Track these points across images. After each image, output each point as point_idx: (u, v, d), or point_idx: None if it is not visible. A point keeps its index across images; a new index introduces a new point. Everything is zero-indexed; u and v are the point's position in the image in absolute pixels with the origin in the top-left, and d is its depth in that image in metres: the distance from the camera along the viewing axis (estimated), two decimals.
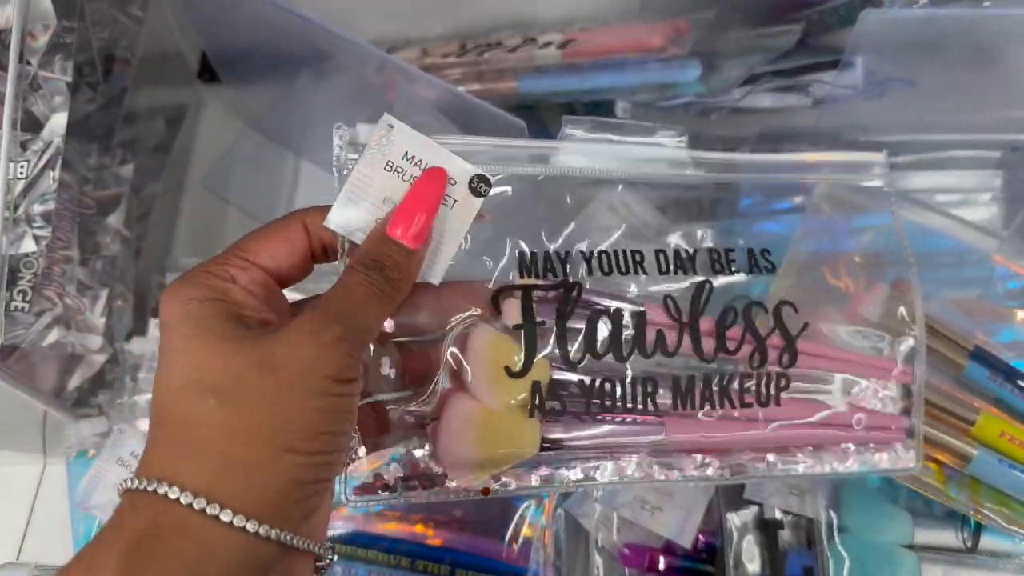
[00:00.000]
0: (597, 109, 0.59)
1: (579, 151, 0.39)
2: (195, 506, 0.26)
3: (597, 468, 0.36)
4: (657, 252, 0.38)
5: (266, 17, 0.55)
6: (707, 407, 0.37)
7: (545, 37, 0.60)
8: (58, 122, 0.51)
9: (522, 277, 0.36)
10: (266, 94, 0.69)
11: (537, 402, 0.35)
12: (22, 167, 0.50)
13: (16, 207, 0.49)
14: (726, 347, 0.37)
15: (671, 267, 0.38)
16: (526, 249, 0.36)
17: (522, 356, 0.35)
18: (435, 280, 0.34)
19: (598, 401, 0.36)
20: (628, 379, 0.36)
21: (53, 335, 0.54)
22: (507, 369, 0.35)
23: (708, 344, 0.37)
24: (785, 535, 0.50)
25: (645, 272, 0.37)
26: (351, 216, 0.33)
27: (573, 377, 0.36)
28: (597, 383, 0.36)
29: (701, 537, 0.50)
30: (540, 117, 0.62)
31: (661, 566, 0.50)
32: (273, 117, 0.70)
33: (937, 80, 0.54)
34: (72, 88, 0.51)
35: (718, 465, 0.38)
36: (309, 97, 0.67)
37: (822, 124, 0.58)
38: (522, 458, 0.35)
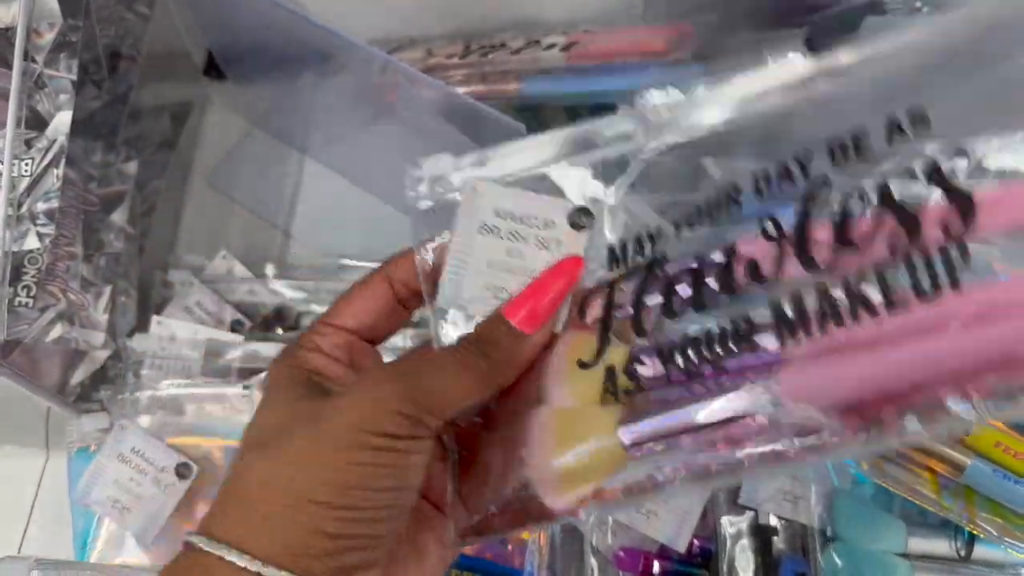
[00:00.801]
0: (600, 112, 0.59)
1: None
2: (226, 558, 0.27)
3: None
4: (756, 177, 0.30)
5: (269, 17, 0.55)
6: (832, 325, 0.25)
7: (549, 39, 0.60)
8: (63, 120, 0.51)
9: (610, 270, 0.32)
10: (271, 92, 0.69)
11: (610, 387, 0.30)
12: (26, 164, 0.51)
13: (20, 205, 0.50)
14: (849, 241, 0.26)
15: (773, 185, 0.29)
16: (613, 241, 0.32)
17: (596, 343, 0.31)
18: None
19: (681, 365, 0.28)
20: (715, 331, 0.28)
21: (56, 331, 0.54)
22: (579, 363, 0.31)
23: (822, 251, 0.26)
24: (779, 541, 0.50)
25: (739, 203, 0.31)
26: (461, 291, 0.32)
27: (646, 344, 0.30)
28: (677, 347, 0.29)
29: (696, 542, 0.50)
30: (543, 119, 0.62)
31: (656, 570, 0.50)
32: (278, 115, 0.70)
33: (939, 88, 0.54)
34: (77, 86, 0.52)
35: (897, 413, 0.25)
36: (313, 96, 0.67)
37: None
38: (608, 454, 0.29)
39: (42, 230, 0.50)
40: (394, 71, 0.54)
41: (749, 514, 0.50)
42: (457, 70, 0.63)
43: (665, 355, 0.29)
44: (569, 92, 0.59)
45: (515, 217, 0.32)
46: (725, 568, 0.49)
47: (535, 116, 0.61)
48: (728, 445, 0.27)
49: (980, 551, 0.48)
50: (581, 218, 0.32)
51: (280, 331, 0.58)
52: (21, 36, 0.50)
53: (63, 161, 0.51)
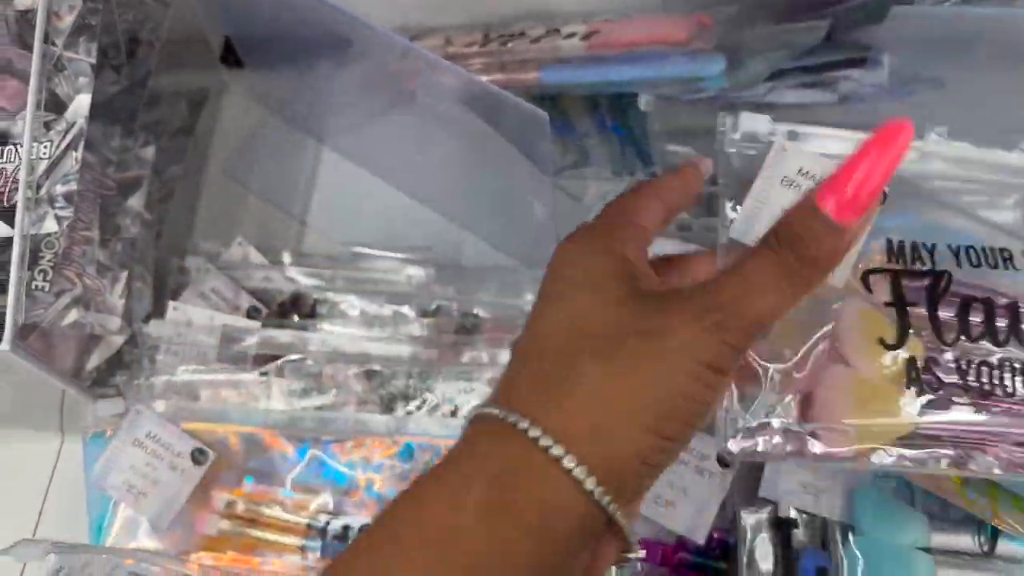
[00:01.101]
0: (619, 101, 0.59)
1: None
2: (553, 453, 0.26)
3: (971, 457, 0.36)
4: None
5: (288, 1, 0.55)
6: None
7: (569, 28, 0.60)
8: (82, 103, 0.51)
9: (889, 261, 0.38)
10: (288, 80, 0.69)
11: (913, 376, 0.36)
12: (45, 147, 0.51)
13: (39, 187, 0.50)
14: None
15: None
16: (894, 237, 0.39)
17: (895, 331, 0.36)
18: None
19: (975, 383, 0.36)
20: (1007, 365, 0.36)
21: (72, 315, 0.54)
22: (881, 341, 0.36)
23: None
24: (799, 534, 0.49)
25: (1016, 268, 0.38)
26: (752, 228, 0.37)
27: (949, 356, 0.37)
28: (974, 364, 0.36)
29: (715, 535, 0.50)
30: (563, 108, 0.61)
31: (674, 561, 0.50)
32: (294, 103, 0.70)
33: (966, 80, 0.53)
34: (96, 69, 0.52)
35: None
36: (331, 84, 0.67)
37: (848, 122, 0.57)
38: (896, 431, 0.36)
39: (60, 213, 0.50)
40: (415, 57, 0.54)
41: (769, 507, 0.50)
42: (476, 59, 0.62)
43: (963, 368, 0.36)
44: (589, 81, 0.58)
45: (815, 179, 0.38)
46: (744, 561, 0.49)
47: (554, 105, 0.61)
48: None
49: (1004, 547, 0.48)
50: None
51: (296, 318, 0.58)
52: (41, 18, 0.50)
53: (82, 144, 0.50)
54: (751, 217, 0.38)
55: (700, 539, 0.49)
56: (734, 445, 0.37)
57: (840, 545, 0.48)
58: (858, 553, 0.48)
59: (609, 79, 0.57)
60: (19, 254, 0.46)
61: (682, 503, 0.49)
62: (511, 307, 0.61)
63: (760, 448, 0.36)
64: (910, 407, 0.36)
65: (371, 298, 0.60)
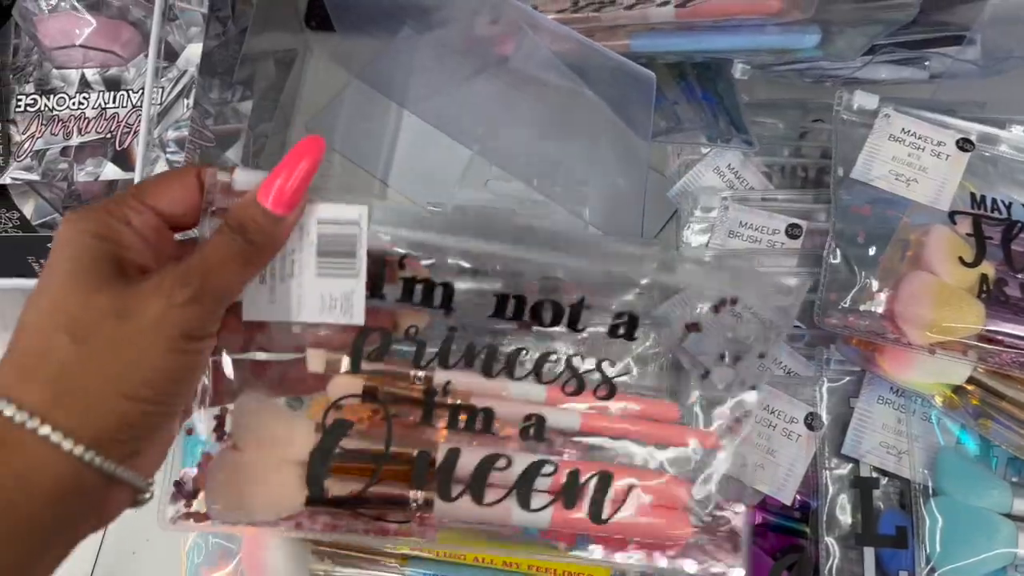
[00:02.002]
0: (707, 71, 0.60)
1: None
2: (28, 425, 0.29)
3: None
4: None
5: None
6: None
7: None
8: (193, 52, 0.52)
9: (972, 208, 0.51)
10: (373, 44, 0.70)
11: (984, 289, 0.48)
12: (156, 93, 0.52)
13: (150, 132, 0.51)
14: None
15: None
16: (977, 191, 0.51)
17: (973, 253, 0.49)
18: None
19: None
20: None
21: None
22: (960, 259, 0.49)
23: None
24: (879, 495, 0.50)
25: None
26: (870, 170, 0.53)
27: (1015, 280, 0.48)
28: None
29: (797, 496, 0.51)
30: None
31: (756, 521, 0.51)
32: (378, 67, 0.71)
33: None
34: (206, 20, 0.53)
35: None
36: (415, 48, 0.68)
37: (938, 99, 0.57)
38: (965, 331, 0.47)
39: (171, 157, 0.51)
40: (512, 20, 0.55)
41: (850, 466, 0.51)
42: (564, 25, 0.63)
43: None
44: (681, 50, 0.59)
45: (916, 135, 0.53)
46: (824, 519, 0.50)
47: None
48: None
49: None
50: (966, 144, 0.52)
51: None
52: None
53: (193, 92, 0.52)
54: (868, 164, 0.52)
55: (787, 499, 0.49)
56: (829, 321, 0.49)
57: (921, 506, 0.49)
58: (938, 514, 0.48)
59: (702, 48, 0.57)
60: None
61: (770, 465, 0.50)
62: (591, 272, 0.61)
63: (849, 324, 0.49)
64: (979, 313, 0.47)
65: None
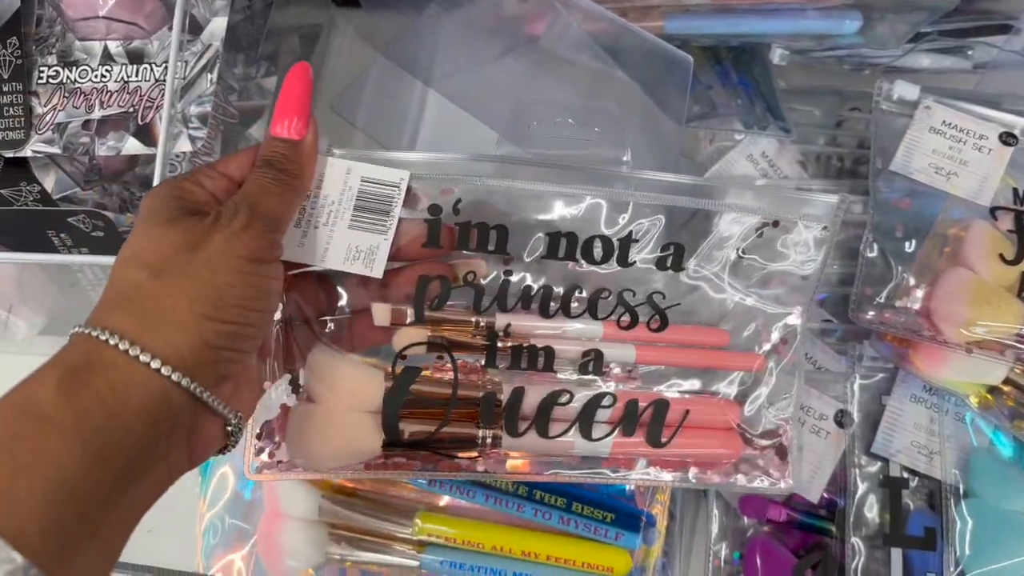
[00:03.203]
0: (743, 55, 0.58)
1: None
2: (120, 347, 0.32)
3: None
4: None
5: None
6: None
7: None
8: (218, 25, 0.51)
9: (1013, 204, 0.49)
10: (399, 20, 0.69)
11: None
12: (180, 68, 0.51)
13: (174, 106, 0.50)
14: None
15: None
16: (1020, 187, 0.50)
17: (1015, 250, 0.48)
18: None
19: None
20: None
21: None
22: (1001, 256, 0.47)
23: None
24: (909, 495, 0.49)
25: None
26: (909, 163, 0.50)
27: None
28: None
29: (824, 494, 0.50)
30: None
31: (780, 518, 0.50)
32: (404, 45, 0.70)
33: None
34: None
35: None
36: (441, 27, 0.67)
37: (981, 90, 0.56)
38: (1003, 330, 0.46)
39: (194, 133, 0.50)
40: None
41: (879, 465, 0.49)
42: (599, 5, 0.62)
43: None
44: (717, 32, 0.57)
45: (957, 128, 0.51)
46: (852, 519, 0.49)
47: None
48: None
49: None
50: (1010, 139, 0.51)
51: None
52: None
53: (217, 67, 0.51)
54: (908, 157, 0.51)
55: (814, 498, 0.49)
56: (864, 317, 0.48)
57: (952, 507, 0.48)
58: (969, 517, 0.47)
59: (740, 31, 0.56)
60: (160, 172, 0.46)
61: (797, 462, 0.49)
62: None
63: (884, 320, 0.47)
64: (1018, 312, 0.46)
65: None
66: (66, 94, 0.52)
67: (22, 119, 0.51)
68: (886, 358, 0.50)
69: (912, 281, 0.48)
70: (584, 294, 0.44)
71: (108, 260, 0.48)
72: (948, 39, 0.55)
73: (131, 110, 0.51)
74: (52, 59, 0.52)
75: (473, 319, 0.43)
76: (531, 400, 0.42)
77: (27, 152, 0.51)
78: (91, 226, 0.50)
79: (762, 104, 0.54)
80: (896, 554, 0.48)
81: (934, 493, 0.49)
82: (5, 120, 0.51)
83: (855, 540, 0.48)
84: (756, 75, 0.57)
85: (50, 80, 0.52)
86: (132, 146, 0.50)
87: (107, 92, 0.51)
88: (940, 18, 0.54)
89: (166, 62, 0.51)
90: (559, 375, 0.44)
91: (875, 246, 0.49)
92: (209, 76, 0.51)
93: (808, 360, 0.51)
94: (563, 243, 0.43)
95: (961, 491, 0.48)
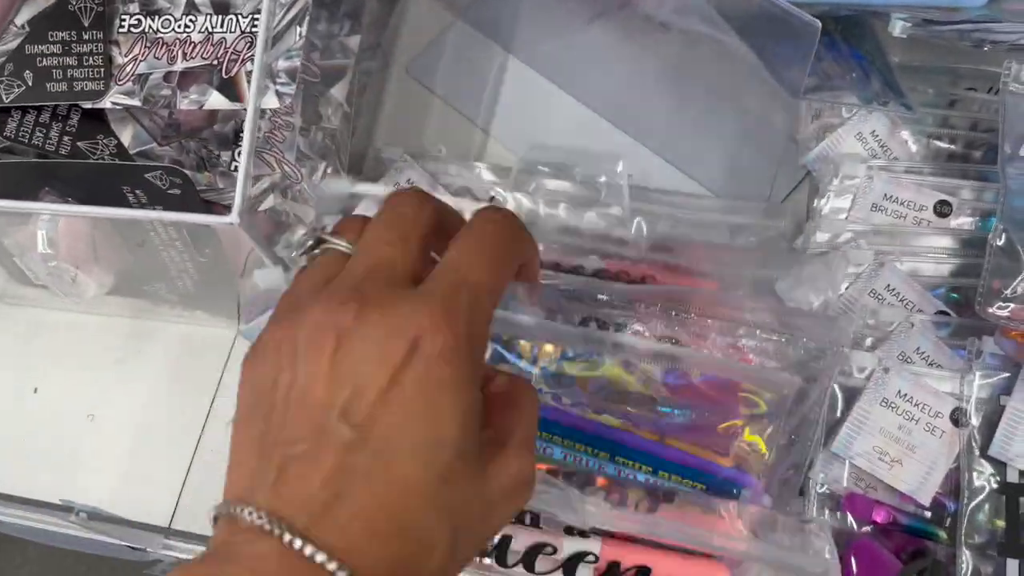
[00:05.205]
0: (854, 27, 0.54)
1: None
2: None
3: None
4: None
5: None
6: None
7: None
8: None
9: None
10: None
11: None
12: (269, 19, 0.48)
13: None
14: None
15: None
16: None
17: None
18: None
19: None
20: None
21: (269, 201, 0.53)
22: None
23: None
24: None
25: None
26: None
27: None
28: None
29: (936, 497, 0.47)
30: None
31: (884, 520, 0.47)
32: (485, 7, 0.67)
33: None
34: None
35: None
36: None
37: None
38: None
39: (282, 89, 0.48)
40: None
41: (996, 469, 0.46)
42: None
43: None
44: (827, 0, 0.54)
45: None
46: (964, 525, 0.46)
47: None
48: None
49: None
50: None
51: None
52: None
53: (306, 20, 0.48)
54: None
55: (926, 500, 0.46)
56: (991, 311, 0.45)
57: None
58: None
59: (855, 0, 0.52)
60: (251, 128, 0.44)
61: (909, 461, 0.46)
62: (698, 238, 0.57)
63: (1012, 315, 0.45)
64: None
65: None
66: (148, 44, 0.49)
67: (102, 69, 0.49)
68: (1009, 355, 0.47)
69: None
70: None
71: (185, 217, 0.46)
72: None
73: (215, 63, 0.48)
74: (134, 7, 0.50)
75: None
76: (517, 547, 0.43)
77: (106, 103, 0.49)
78: (168, 183, 0.48)
79: (879, 79, 0.51)
80: (1012, 565, 0.45)
81: None
82: (84, 70, 0.49)
83: (966, 548, 0.45)
84: (868, 49, 0.53)
85: (132, 29, 0.50)
86: (215, 100, 0.48)
87: (190, 43, 0.49)
88: None
89: (252, 13, 0.48)
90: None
91: (1004, 236, 0.46)
92: (298, 29, 0.48)
93: (919, 354, 0.48)
94: None
95: None
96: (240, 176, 0.43)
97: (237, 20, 0.49)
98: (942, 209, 0.51)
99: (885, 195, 0.51)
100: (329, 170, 0.55)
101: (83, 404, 0.58)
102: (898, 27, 0.51)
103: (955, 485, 0.46)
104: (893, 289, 0.50)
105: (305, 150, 0.54)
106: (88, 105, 0.49)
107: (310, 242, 0.32)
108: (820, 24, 0.42)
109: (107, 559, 0.66)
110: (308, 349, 0.26)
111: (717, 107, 0.59)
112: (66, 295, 0.56)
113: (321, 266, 0.31)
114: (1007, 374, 0.47)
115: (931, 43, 0.56)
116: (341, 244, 0.31)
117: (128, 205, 0.49)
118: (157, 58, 0.49)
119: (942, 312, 0.49)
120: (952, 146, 0.55)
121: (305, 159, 0.54)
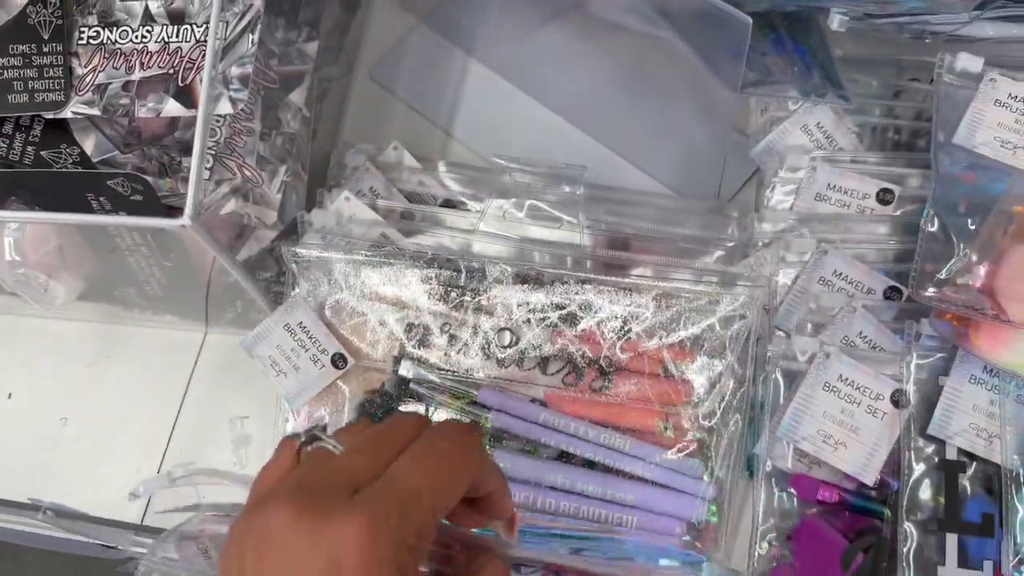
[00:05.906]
0: (799, 22, 0.56)
1: None
2: None
3: None
4: None
5: None
6: None
7: None
8: None
9: None
10: None
11: None
12: (221, 28, 0.50)
13: (215, 67, 0.49)
14: None
15: None
16: None
17: None
18: None
19: None
20: None
21: (231, 204, 0.54)
22: None
23: None
24: (965, 479, 0.47)
25: None
26: (973, 137, 0.50)
27: None
28: None
29: (878, 476, 0.48)
30: None
31: (832, 499, 0.48)
32: (445, 12, 0.69)
33: None
34: None
35: None
36: None
37: None
38: None
39: (235, 95, 0.49)
40: None
41: (935, 448, 0.48)
42: None
43: None
44: None
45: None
46: (906, 502, 0.47)
47: None
48: None
49: None
50: None
51: None
52: None
53: (258, 27, 0.50)
54: (972, 130, 0.50)
55: (870, 480, 0.47)
56: (924, 294, 0.47)
57: (1012, 494, 0.46)
58: None
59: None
60: (201, 133, 0.45)
61: (853, 443, 0.47)
62: (660, 233, 0.59)
63: (944, 298, 0.46)
64: None
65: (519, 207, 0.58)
66: (106, 55, 0.51)
67: (62, 80, 0.51)
68: (945, 337, 0.48)
69: (975, 258, 0.46)
70: None
71: (146, 222, 0.47)
72: (1017, 6, 0.52)
73: (171, 71, 0.50)
74: (93, 19, 0.51)
75: None
76: None
77: (67, 113, 0.51)
78: (130, 189, 0.49)
79: (820, 72, 0.52)
80: (951, 540, 0.46)
81: (993, 478, 0.47)
82: (45, 81, 0.51)
83: (908, 525, 0.47)
84: (812, 43, 0.55)
85: (90, 41, 0.51)
86: (172, 108, 0.50)
87: (147, 53, 0.50)
88: None
89: (207, 22, 0.50)
90: None
91: (936, 221, 0.47)
92: (251, 37, 0.50)
93: (862, 338, 0.49)
94: None
95: (1022, 477, 0.46)
96: (192, 179, 0.45)
97: (192, 30, 0.50)
98: (885, 197, 0.52)
99: (829, 184, 0.52)
100: (289, 175, 0.56)
101: (56, 408, 0.60)
102: (836, 21, 0.52)
103: (898, 464, 0.48)
104: (841, 274, 0.51)
105: (265, 154, 0.55)
106: (50, 115, 0.51)
107: (303, 438, 0.33)
108: (751, 20, 0.44)
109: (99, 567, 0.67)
110: (252, 553, 0.28)
111: (667, 105, 0.60)
112: (37, 302, 0.57)
113: (302, 462, 0.32)
114: (944, 355, 0.48)
115: (877, 36, 0.58)
116: (330, 443, 0.32)
117: (92, 211, 0.51)
118: (115, 68, 0.51)
119: (894, 287, 0.51)
120: (897, 136, 0.56)
121: (266, 163, 0.55)
